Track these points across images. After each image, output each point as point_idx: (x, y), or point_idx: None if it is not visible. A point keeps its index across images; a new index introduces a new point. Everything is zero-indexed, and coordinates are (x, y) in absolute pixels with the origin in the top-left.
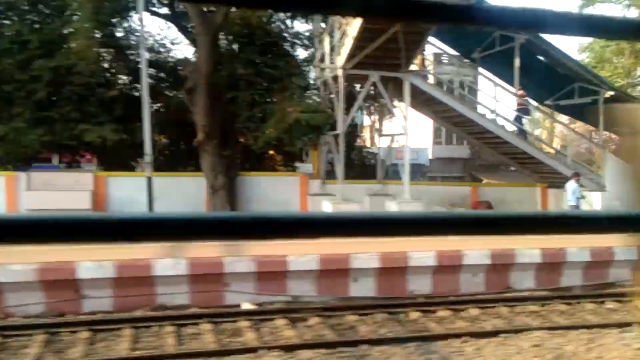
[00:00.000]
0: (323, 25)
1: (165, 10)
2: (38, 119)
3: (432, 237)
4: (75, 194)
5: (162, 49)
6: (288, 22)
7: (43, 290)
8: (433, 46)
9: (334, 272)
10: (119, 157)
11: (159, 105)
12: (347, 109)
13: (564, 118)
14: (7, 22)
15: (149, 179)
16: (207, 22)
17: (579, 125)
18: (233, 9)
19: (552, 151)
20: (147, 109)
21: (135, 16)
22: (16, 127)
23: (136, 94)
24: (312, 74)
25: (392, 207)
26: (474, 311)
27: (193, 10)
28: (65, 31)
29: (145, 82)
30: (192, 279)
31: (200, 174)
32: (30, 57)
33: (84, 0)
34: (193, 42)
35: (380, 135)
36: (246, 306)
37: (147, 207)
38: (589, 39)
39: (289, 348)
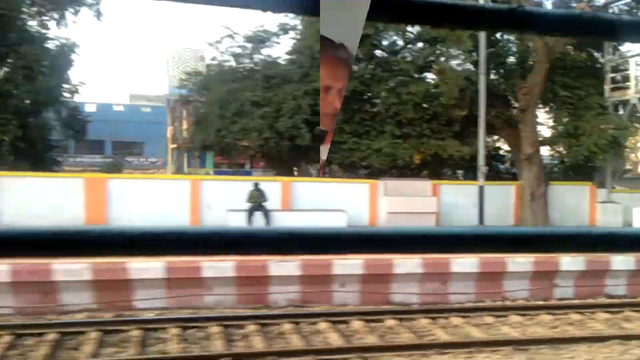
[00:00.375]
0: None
1: None
2: (400, 136)
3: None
4: (423, 200)
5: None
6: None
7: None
8: None
9: None
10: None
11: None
12: None
13: None
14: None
15: (481, 188)
16: (549, 51)
17: None
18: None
19: None
20: (482, 126)
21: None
22: (393, 142)
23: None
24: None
25: None
26: None
27: (539, 42)
28: (434, 57)
29: (482, 103)
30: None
31: (504, 182)
32: (400, 83)
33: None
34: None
35: None
36: None
37: (478, 211)
38: None
39: None
